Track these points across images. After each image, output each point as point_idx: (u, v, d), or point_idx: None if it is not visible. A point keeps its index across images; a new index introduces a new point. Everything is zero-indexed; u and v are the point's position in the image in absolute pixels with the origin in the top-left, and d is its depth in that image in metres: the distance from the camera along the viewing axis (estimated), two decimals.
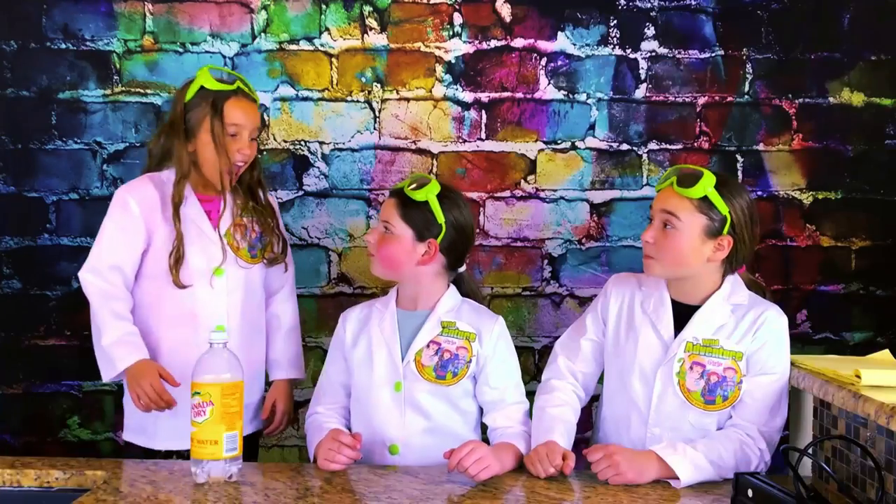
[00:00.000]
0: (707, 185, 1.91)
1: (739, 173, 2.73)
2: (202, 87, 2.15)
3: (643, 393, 1.98)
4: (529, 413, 2.05)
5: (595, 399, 2.18)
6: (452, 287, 2.09)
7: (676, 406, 1.95)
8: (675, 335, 1.97)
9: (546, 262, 2.74)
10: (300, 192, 2.71)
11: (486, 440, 2.03)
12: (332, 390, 2.11)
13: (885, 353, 2.05)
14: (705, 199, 1.91)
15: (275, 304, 2.34)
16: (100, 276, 2.15)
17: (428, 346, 2.02)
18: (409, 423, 2.00)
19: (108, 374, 2.13)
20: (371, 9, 2.69)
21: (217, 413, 1.75)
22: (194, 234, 2.18)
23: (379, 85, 2.70)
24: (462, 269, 2.11)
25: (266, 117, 2.68)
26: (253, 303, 2.26)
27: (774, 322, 1.97)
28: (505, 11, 2.71)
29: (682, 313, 1.99)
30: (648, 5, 2.71)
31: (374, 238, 2.05)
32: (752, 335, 1.95)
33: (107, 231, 2.18)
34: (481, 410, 2.07)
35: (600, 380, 2.13)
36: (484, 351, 2.03)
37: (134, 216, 2.16)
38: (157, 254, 2.17)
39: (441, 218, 2.01)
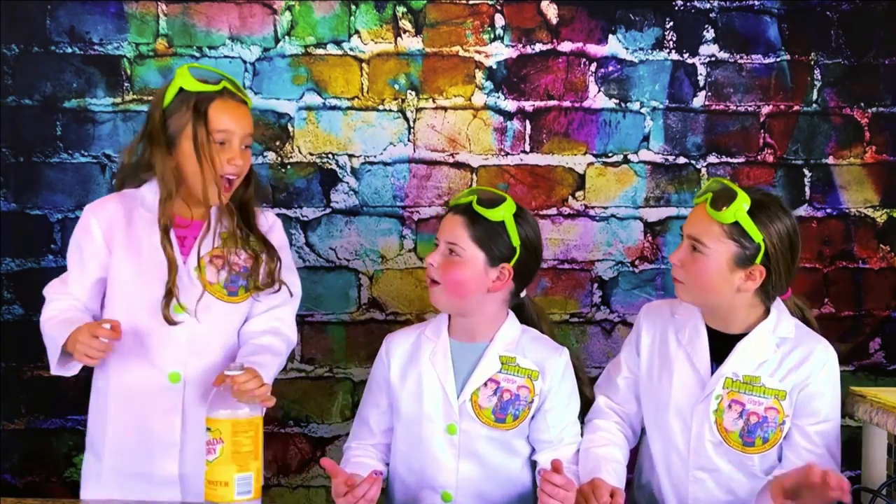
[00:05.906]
0: (739, 209, 1.81)
1: (807, 189, 2.65)
2: (181, 90, 1.96)
3: (681, 432, 1.92)
4: None
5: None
6: (512, 315, 1.98)
7: (713, 447, 1.89)
8: (714, 368, 1.91)
9: (596, 285, 2.65)
10: (327, 210, 2.62)
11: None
12: (367, 427, 2.02)
13: None
14: (737, 224, 1.81)
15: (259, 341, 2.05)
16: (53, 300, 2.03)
17: (486, 384, 1.91)
18: (463, 470, 1.91)
19: (55, 357, 1.93)
20: (405, 10, 2.60)
21: (227, 452, 1.70)
22: (155, 265, 1.97)
23: (413, 93, 2.61)
24: (523, 294, 2.00)
25: (291, 128, 2.60)
26: (226, 346, 2.01)
27: (824, 361, 1.89)
28: (551, 13, 2.61)
29: (721, 344, 1.92)
30: (708, 6, 2.63)
31: (437, 261, 1.90)
32: (797, 372, 1.88)
33: (68, 253, 2.06)
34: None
35: None
36: (546, 388, 1.93)
37: (95, 240, 2.01)
38: (115, 284, 2.00)
39: (516, 240, 1.89)
